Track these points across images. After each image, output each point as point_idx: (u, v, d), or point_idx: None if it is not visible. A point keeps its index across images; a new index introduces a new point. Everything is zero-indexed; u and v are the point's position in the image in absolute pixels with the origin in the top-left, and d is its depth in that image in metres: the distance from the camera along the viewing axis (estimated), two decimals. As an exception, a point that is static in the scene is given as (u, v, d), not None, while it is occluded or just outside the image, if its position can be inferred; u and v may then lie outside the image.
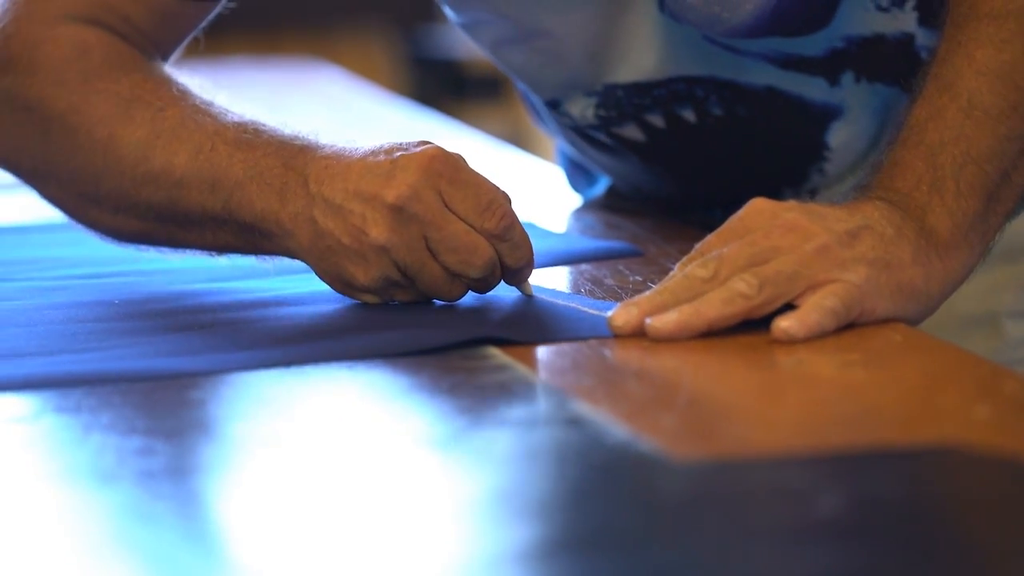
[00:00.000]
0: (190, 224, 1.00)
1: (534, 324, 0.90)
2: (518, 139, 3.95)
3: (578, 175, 1.31)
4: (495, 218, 0.93)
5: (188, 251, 1.03)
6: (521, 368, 0.84)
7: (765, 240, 0.89)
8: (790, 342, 0.86)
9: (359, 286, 0.95)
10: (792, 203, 0.92)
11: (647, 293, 0.89)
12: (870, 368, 0.85)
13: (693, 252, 0.91)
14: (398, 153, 0.93)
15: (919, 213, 0.93)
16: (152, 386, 0.82)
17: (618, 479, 0.69)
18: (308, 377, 0.84)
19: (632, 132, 1.16)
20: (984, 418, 0.76)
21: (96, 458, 0.73)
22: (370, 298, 0.96)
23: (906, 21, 1.08)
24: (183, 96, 1.02)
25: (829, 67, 1.11)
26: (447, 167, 0.93)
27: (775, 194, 1.03)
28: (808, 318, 0.87)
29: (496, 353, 0.86)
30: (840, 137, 1.13)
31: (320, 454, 0.73)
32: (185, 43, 1.09)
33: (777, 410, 0.79)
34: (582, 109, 1.15)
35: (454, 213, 0.92)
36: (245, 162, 0.97)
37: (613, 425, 0.75)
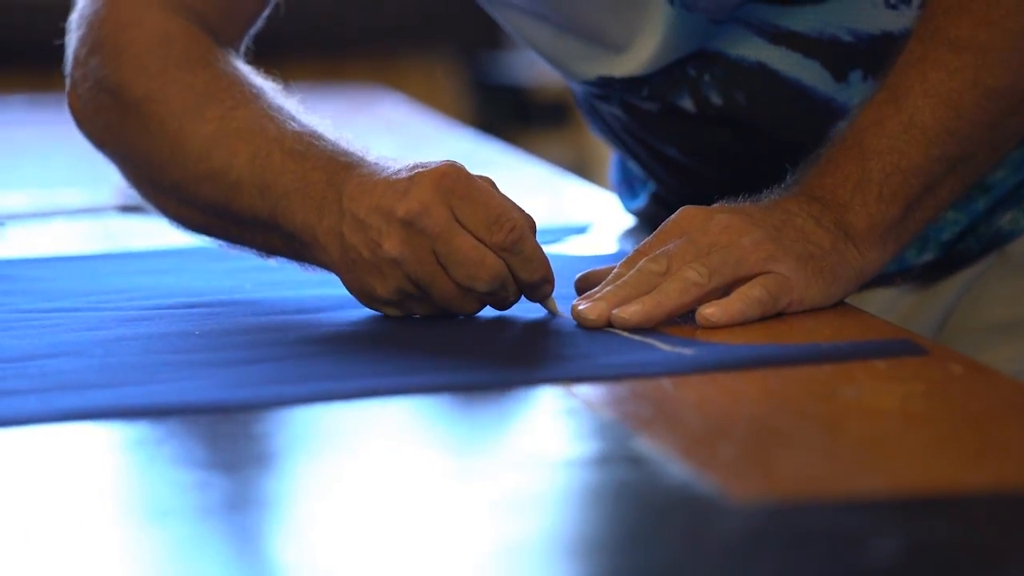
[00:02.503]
0: (242, 224, 1.05)
1: (602, 359, 0.90)
2: (583, 165, 3.95)
3: (624, 186, 1.33)
4: (503, 232, 0.96)
5: (243, 249, 1.07)
6: (581, 398, 0.84)
7: (704, 238, 0.97)
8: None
9: (379, 298, 0.99)
10: (720, 205, 0.99)
11: (608, 288, 0.96)
12: (932, 400, 0.84)
13: (633, 252, 0.98)
14: (417, 170, 0.97)
15: (839, 209, 1.00)
16: (217, 419, 0.83)
17: (673, 520, 0.68)
18: (371, 411, 0.84)
19: (621, 113, 1.17)
20: (1047, 451, 0.75)
21: (153, 492, 0.73)
22: (391, 311, 1.00)
23: (913, 20, 1.08)
24: (255, 97, 1.06)
25: (830, 55, 1.11)
26: (459, 183, 0.96)
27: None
28: (732, 307, 0.94)
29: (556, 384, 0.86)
30: None
31: (376, 491, 0.73)
32: (249, 35, 1.14)
33: (838, 443, 0.78)
34: (588, 87, 1.17)
35: (464, 227, 0.96)
36: (294, 173, 1.01)
37: (671, 461, 0.74)
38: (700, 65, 1.13)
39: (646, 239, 0.99)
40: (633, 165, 1.26)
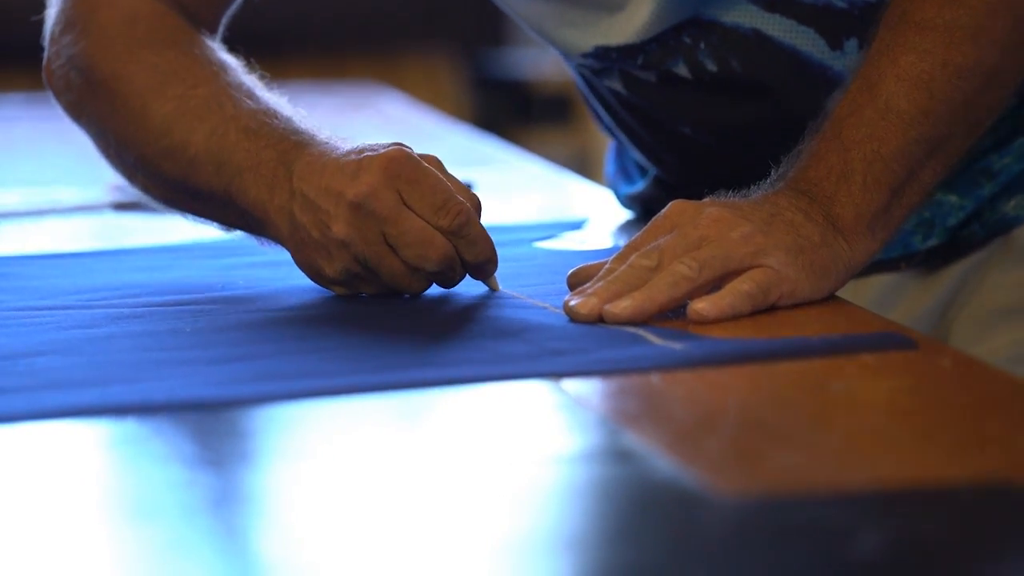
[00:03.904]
0: (201, 199, 1.09)
1: (593, 354, 0.89)
2: (585, 162, 3.95)
3: (620, 174, 1.33)
4: (450, 216, 0.99)
5: (206, 222, 1.11)
6: (570, 393, 0.84)
7: (695, 231, 0.97)
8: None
9: (327, 277, 1.03)
10: (710, 200, 1.00)
11: (600, 283, 0.96)
12: (919, 394, 0.84)
13: (624, 247, 0.99)
14: (367, 153, 1.00)
15: (826, 201, 1.00)
16: (204, 415, 0.82)
17: (659, 515, 0.68)
18: (359, 407, 0.84)
19: (619, 85, 1.18)
20: (1034, 444, 0.75)
21: (140, 489, 0.73)
22: (339, 289, 1.03)
23: None
24: (216, 76, 1.09)
25: (825, 22, 1.11)
26: (406, 168, 0.99)
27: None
28: (722, 301, 0.95)
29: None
30: None
31: (362, 488, 0.73)
32: (228, 15, 1.17)
33: (825, 436, 0.78)
34: (584, 60, 1.18)
35: (412, 210, 0.99)
36: (247, 151, 1.05)
37: (657, 456, 0.74)
38: (695, 33, 1.13)
39: (637, 234, 1.00)
40: (634, 152, 1.27)
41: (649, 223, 1.00)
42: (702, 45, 1.13)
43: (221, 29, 1.17)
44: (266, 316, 1.01)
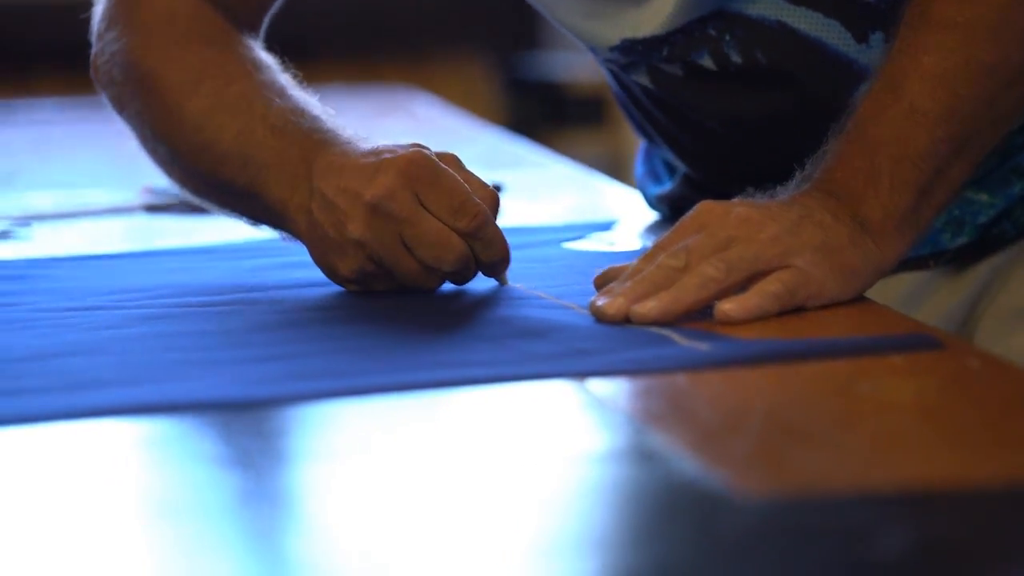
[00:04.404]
0: (230, 194, 1.11)
1: (619, 354, 0.89)
2: (617, 164, 3.95)
3: (649, 175, 1.33)
4: (467, 217, 1.00)
5: (235, 216, 1.13)
6: (595, 393, 0.84)
7: (723, 232, 0.97)
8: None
9: (341, 275, 1.04)
10: (738, 200, 1.00)
11: (627, 283, 0.96)
12: (947, 394, 0.84)
13: (652, 247, 0.99)
14: (385, 155, 1.01)
15: (854, 203, 1.00)
16: (232, 415, 0.83)
17: (682, 516, 0.68)
18: (386, 407, 0.84)
19: (647, 80, 1.18)
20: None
21: (168, 488, 0.74)
22: (352, 287, 1.05)
23: None
24: (250, 74, 1.12)
25: (851, 16, 1.11)
26: (424, 170, 1.00)
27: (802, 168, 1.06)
28: (749, 302, 0.95)
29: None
30: None
31: (389, 487, 0.73)
32: (270, 15, 1.20)
33: (850, 438, 0.78)
34: (610, 55, 1.18)
35: (429, 212, 1.00)
36: (273, 148, 1.07)
37: (682, 457, 0.74)
38: (720, 25, 1.14)
39: (664, 234, 1.00)
40: (663, 150, 1.27)
41: (677, 223, 1.00)
42: (727, 37, 1.13)
43: (263, 29, 1.19)
44: (295, 316, 1.02)
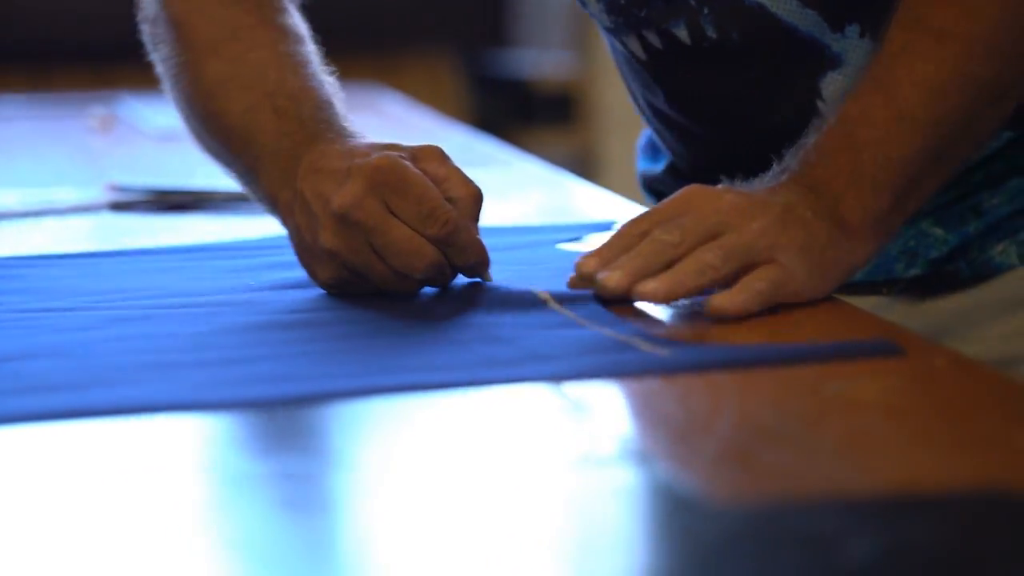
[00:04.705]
0: (235, 167, 1.11)
1: (584, 359, 0.89)
2: (586, 162, 3.95)
3: (648, 149, 1.33)
4: (436, 224, 0.99)
5: (244, 188, 1.12)
6: (563, 397, 0.84)
7: (714, 216, 0.97)
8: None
9: (320, 281, 1.03)
10: (725, 187, 1.00)
11: (623, 257, 0.96)
12: (914, 394, 0.84)
13: (637, 218, 0.99)
14: (357, 159, 1.00)
15: (833, 201, 1.00)
16: (189, 420, 0.82)
17: (653, 521, 0.68)
18: (357, 411, 0.84)
19: (635, 47, 1.18)
20: (1027, 445, 0.75)
21: (121, 495, 0.73)
22: (334, 290, 1.04)
23: None
24: (274, 42, 1.11)
25: (829, 6, 1.11)
26: (392, 175, 0.99)
27: (776, 152, 1.06)
28: (738, 298, 0.95)
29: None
30: (834, 88, 1.13)
31: (353, 491, 0.73)
32: None
33: (819, 438, 0.78)
34: (598, 11, 1.19)
35: (399, 219, 0.99)
36: (273, 134, 1.07)
37: (652, 461, 0.74)
38: None
39: (647, 211, 1.00)
40: (649, 129, 1.28)
41: (665, 200, 1.00)
42: (706, 10, 1.14)
43: None
44: (267, 319, 1.01)
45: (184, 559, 0.64)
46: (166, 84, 1.17)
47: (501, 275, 1.05)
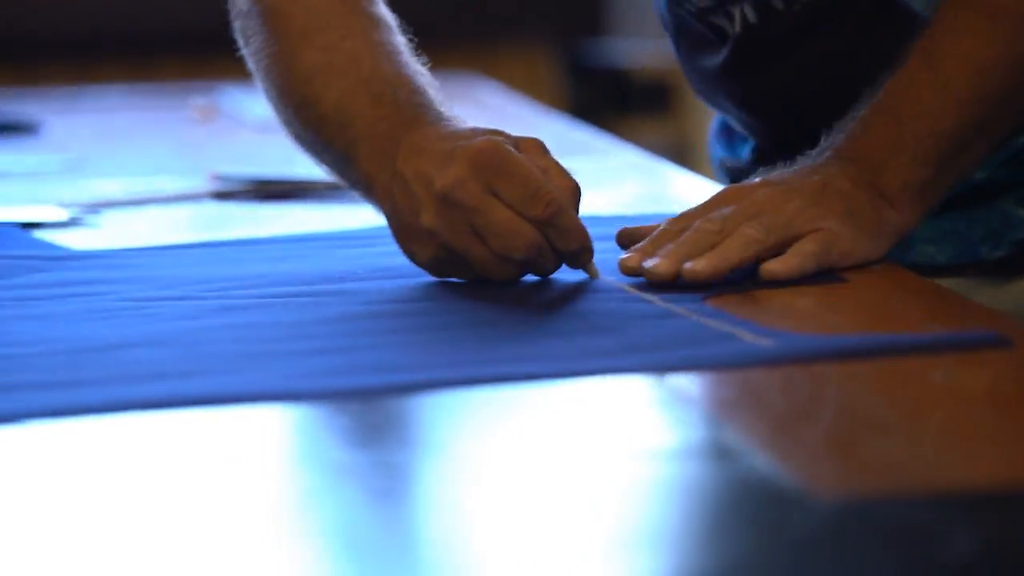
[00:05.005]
0: (329, 154, 1.11)
1: (684, 350, 0.89)
2: (684, 150, 3.94)
3: (722, 137, 1.35)
4: (540, 205, 0.99)
5: (334, 175, 1.12)
6: (664, 388, 0.83)
7: (752, 206, 1.01)
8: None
9: (419, 262, 1.04)
10: (760, 180, 1.04)
11: (669, 246, 1.00)
12: (1021, 383, 0.83)
13: (679, 216, 1.03)
14: (460, 142, 1.01)
15: (874, 170, 1.04)
16: (294, 409, 0.83)
17: (754, 514, 0.68)
18: (458, 401, 0.84)
19: (726, 23, 1.20)
20: None
21: (226, 485, 0.74)
22: (435, 274, 1.04)
23: None
24: (366, 30, 1.12)
25: None
26: (495, 159, 0.99)
27: None
28: (791, 261, 0.99)
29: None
30: None
31: (462, 482, 0.73)
32: None
33: (924, 430, 0.77)
34: None
35: (503, 201, 0.99)
36: (369, 119, 1.07)
37: (754, 452, 0.73)
38: None
39: (687, 210, 1.04)
40: (731, 117, 1.29)
41: (704, 201, 1.04)
42: None
43: None
44: (369, 309, 1.01)
45: (280, 548, 0.65)
46: (258, 76, 1.17)
47: (602, 264, 1.04)
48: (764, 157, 1.27)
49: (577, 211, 1.03)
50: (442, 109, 1.06)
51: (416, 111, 1.05)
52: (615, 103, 4.19)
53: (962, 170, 1.07)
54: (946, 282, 1.18)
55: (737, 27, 1.19)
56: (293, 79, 1.12)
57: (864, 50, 1.15)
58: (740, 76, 1.21)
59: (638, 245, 1.03)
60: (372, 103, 1.07)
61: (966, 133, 1.05)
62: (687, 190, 1.48)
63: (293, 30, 1.13)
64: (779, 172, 1.05)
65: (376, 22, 1.12)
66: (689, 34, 1.24)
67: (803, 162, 1.06)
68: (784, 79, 1.20)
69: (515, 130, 1.05)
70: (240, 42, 1.19)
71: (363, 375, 0.86)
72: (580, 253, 1.02)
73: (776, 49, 1.19)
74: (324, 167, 1.14)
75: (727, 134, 1.34)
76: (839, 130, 1.06)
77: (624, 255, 1.02)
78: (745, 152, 1.30)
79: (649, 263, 0.99)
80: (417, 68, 1.10)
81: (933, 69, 1.04)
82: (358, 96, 1.08)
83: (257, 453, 0.77)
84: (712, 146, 1.36)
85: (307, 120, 1.12)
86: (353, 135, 1.07)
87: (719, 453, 0.74)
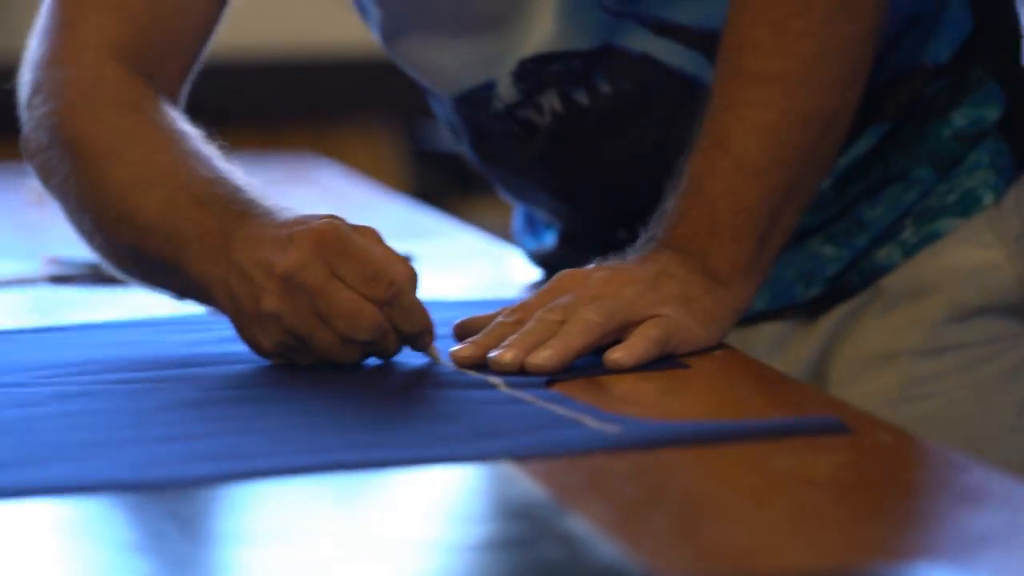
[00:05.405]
0: (155, 268, 1.09)
1: (532, 436, 0.89)
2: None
3: (527, 228, 1.38)
4: (381, 286, 0.99)
5: (161, 291, 1.12)
6: (509, 473, 0.83)
7: (589, 291, 1.02)
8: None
9: (263, 349, 1.03)
10: (595, 266, 1.06)
11: (513, 336, 1.01)
12: (862, 469, 0.84)
13: (516, 305, 1.04)
14: (298, 227, 1.01)
15: (701, 255, 1.06)
16: (138, 498, 0.81)
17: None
18: (293, 489, 0.83)
19: (535, 115, 1.21)
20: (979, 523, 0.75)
21: (76, 572, 0.72)
22: (278, 360, 1.03)
23: None
24: (176, 142, 1.11)
25: (711, 47, 1.14)
26: (336, 240, 1.00)
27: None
28: (635, 348, 1.00)
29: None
30: None
31: (304, 571, 0.72)
32: (189, 80, 1.20)
33: (770, 513, 0.78)
34: (507, 87, 1.21)
35: (343, 282, 0.99)
36: (195, 220, 1.05)
37: (600, 539, 0.73)
38: (593, 60, 1.17)
39: (525, 297, 1.05)
40: (533, 206, 1.31)
41: (539, 289, 1.05)
42: (598, 70, 1.18)
43: (183, 97, 1.20)
44: (211, 395, 1.00)
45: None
46: (68, 209, 1.14)
47: (445, 349, 1.04)
48: (569, 240, 1.30)
49: (415, 292, 1.03)
50: (269, 202, 1.06)
51: (244, 206, 1.05)
52: (457, 185, 4.20)
53: (783, 236, 1.09)
54: (766, 327, 1.22)
55: (547, 118, 1.21)
56: (107, 197, 1.10)
57: (675, 130, 1.18)
58: (553, 164, 1.24)
59: (473, 338, 1.03)
60: (195, 205, 1.06)
61: (774, 199, 1.07)
62: (534, 272, 1.48)
63: (100, 151, 1.11)
64: (611, 262, 1.07)
65: (182, 134, 1.12)
66: (490, 135, 1.26)
67: (631, 254, 1.07)
68: (596, 164, 1.23)
69: (359, 213, 1.06)
70: (42, 179, 1.16)
71: (206, 463, 0.85)
72: (422, 334, 1.02)
73: (586, 136, 1.21)
74: (152, 286, 1.13)
75: (530, 225, 1.37)
76: (656, 222, 1.08)
77: (457, 347, 1.02)
78: (550, 239, 1.34)
79: (494, 354, 1.00)
80: (232, 170, 1.09)
81: (723, 145, 1.07)
82: (179, 201, 1.06)
83: (94, 542, 0.75)
84: (520, 239, 1.39)
85: (127, 236, 1.09)
86: (180, 239, 1.06)
87: (567, 540, 0.74)
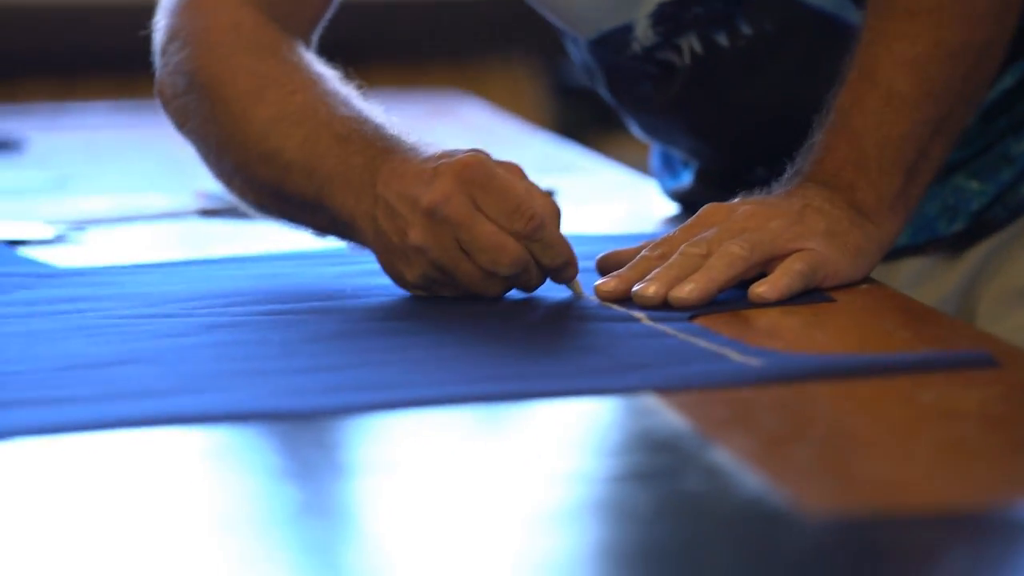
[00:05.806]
0: (295, 205, 1.11)
1: (673, 368, 0.89)
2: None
3: (665, 168, 1.37)
4: (523, 220, 1.00)
5: (300, 228, 1.13)
6: (654, 406, 0.83)
7: (734, 225, 1.02)
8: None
9: (408, 282, 1.04)
10: (740, 200, 1.05)
11: (657, 270, 1.00)
12: (1011, 402, 0.83)
13: (661, 239, 1.04)
14: (443, 160, 1.01)
15: (847, 189, 1.05)
16: (284, 427, 0.82)
17: (744, 533, 0.68)
18: (441, 419, 0.84)
19: (674, 57, 1.21)
20: None
21: (220, 501, 0.73)
22: (420, 292, 1.04)
23: None
24: (313, 83, 1.12)
25: None
26: (480, 173, 1.00)
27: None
28: (779, 282, 1.00)
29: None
30: None
31: (445, 499, 0.73)
32: (321, 26, 1.20)
33: (916, 446, 0.77)
34: (644, 29, 1.21)
35: (486, 216, 1.00)
36: (338, 157, 1.06)
37: (744, 471, 0.73)
38: (734, 4, 1.17)
39: (674, 229, 1.05)
40: (672, 148, 1.30)
41: (684, 223, 1.05)
42: (740, 14, 1.17)
43: (315, 41, 1.20)
44: (357, 327, 1.01)
45: (266, 562, 0.64)
46: (207, 151, 1.16)
47: (587, 284, 1.04)
48: (707, 179, 1.30)
49: (557, 227, 1.03)
50: (412, 138, 1.07)
51: (387, 142, 1.05)
52: (599, 121, 4.19)
53: (931, 170, 1.08)
54: (908, 262, 1.21)
55: (687, 59, 1.20)
56: (248, 138, 1.11)
57: (815, 69, 1.16)
58: (693, 105, 1.23)
59: (617, 272, 1.03)
60: (338, 141, 1.07)
61: (922, 132, 1.06)
62: (673, 207, 1.48)
63: (239, 94, 1.12)
64: (756, 196, 1.06)
65: (320, 75, 1.13)
66: (626, 77, 1.25)
67: (777, 189, 1.07)
68: (737, 104, 1.22)
69: (501, 149, 1.06)
70: (178, 124, 1.17)
71: (351, 393, 0.86)
72: (564, 268, 1.02)
73: (727, 77, 1.20)
74: (293, 224, 1.13)
75: (667, 164, 1.36)
76: (802, 156, 1.08)
77: (601, 280, 1.02)
78: (687, 177, 1.33)
79: (637, 287, 1.00)
80: (372, 108, 1.10)
81: (872, 79, 1.06)
82: (321, 140, 1.08)
83: (243, 469, 0.77)
84: (659, 179, 1.38)
85: (270, 174, 1.10)
86: (324, 176, 1.07)
87: (710, 472, 0.74)
